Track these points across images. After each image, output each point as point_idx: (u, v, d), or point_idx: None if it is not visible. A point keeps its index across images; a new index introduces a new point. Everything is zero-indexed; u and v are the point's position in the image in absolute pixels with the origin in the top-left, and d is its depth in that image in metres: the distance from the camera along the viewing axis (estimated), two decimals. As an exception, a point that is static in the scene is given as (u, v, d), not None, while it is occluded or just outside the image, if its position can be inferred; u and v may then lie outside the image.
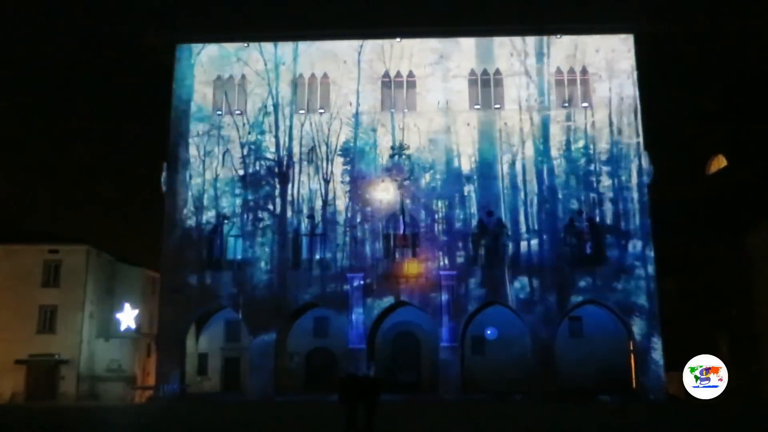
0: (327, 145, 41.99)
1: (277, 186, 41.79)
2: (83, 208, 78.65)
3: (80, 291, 44.98)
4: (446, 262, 40.12)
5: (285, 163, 42.02)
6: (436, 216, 40.82)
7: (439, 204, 40.96)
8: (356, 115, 42.31)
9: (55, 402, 41.74)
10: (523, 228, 40.34)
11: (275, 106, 42.64)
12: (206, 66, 43.34)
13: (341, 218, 41.14)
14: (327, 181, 41.71)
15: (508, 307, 40.15)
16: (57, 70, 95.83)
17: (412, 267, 40.30)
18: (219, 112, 42.84)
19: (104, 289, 48.01)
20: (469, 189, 41.04)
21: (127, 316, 46.65)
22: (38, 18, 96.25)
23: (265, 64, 43.16)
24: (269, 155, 42.08)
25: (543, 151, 41.20)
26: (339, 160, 41.86)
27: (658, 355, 38.36)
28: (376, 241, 40.73)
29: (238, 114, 42.74)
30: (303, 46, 43.44)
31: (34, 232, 47.97)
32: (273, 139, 42.27)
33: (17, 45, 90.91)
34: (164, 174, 41.97)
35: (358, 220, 41.02)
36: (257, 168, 41.98)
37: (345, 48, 43.14)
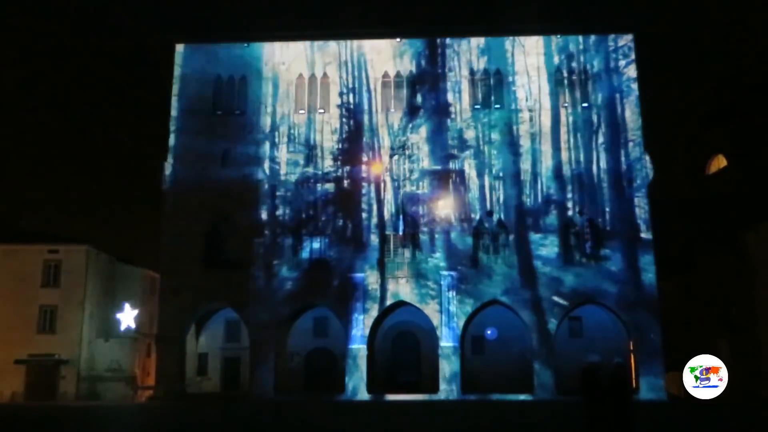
0: (326, 144, 42.00)
1: (277, 185, 41.79)
2: (83, 208, 78.70)
3: (80, 291, 44.93)
4: (446, 262, 40.13)
5: (284, 162, 42.03)
6: (436, 216, 40.80)
7: (439, 204, 40.96)
8: (356, 114, 42.31)
9: (55, 402, 41.70)
10: (523, 228, 40.34)
11: (275, 106, 42.65)
12: (206, 66, 43.35)
13: (341, 218, 41.11)
14: (327, 181, 41.71)
15: (508, 307, 40.14)
16: (57, 69, 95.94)
17: (411, 267, 40.30)
18: (219, 112, 42.84)
19: (104, 289, 47.94)
20: (469, 188, 41.04)
21: (127, 316, 46.63)
22: (38, 17, 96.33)
23: (265, 64, 43.19)
24: (269, 155, 42.07)
25: (543, 151, 41.20)
26: (339, 160, 41.85)
27: (658, 355, 38.35)
28: (376, 240, 40.73)
29: (237, 114, 42.75)
30: (303, 46, 43.46)
31: (34, 232, 47.88)
32: (273, 139, 42.27)
33: (17, 45, 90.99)
34: (164, 173, 41.99)
35: (358, 219, 41.01)
36: (257, 168, 41.96)
37: (345, 48, 43.17)
